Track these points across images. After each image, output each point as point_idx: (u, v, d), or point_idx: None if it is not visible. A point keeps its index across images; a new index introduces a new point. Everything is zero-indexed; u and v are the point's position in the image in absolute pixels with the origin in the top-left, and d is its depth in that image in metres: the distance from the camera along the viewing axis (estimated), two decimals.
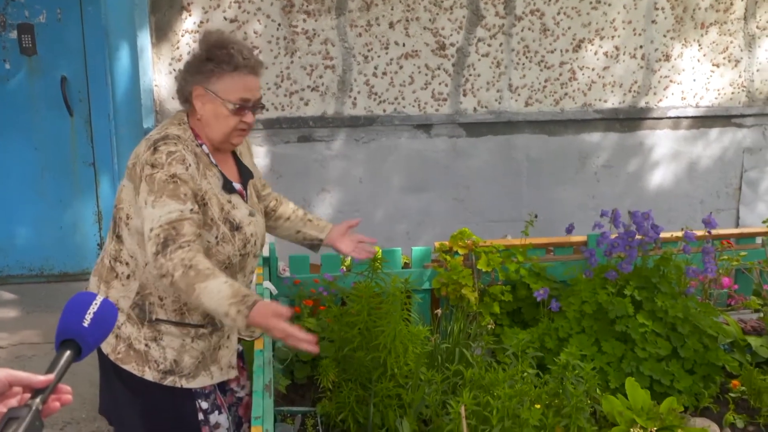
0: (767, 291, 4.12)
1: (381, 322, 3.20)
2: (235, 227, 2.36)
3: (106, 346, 2.38)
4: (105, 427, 3.17)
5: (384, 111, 4.66)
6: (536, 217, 3.92)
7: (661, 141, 5.11)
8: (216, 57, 2.29)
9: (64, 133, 4.43)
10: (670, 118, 5.07)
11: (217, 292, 2.11)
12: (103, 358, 2.43)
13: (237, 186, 2.44)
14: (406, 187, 4.80)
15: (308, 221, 2.81)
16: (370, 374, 3.09)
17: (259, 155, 4.53)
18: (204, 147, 2.34)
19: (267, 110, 4.49)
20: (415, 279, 3.68)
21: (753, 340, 3.66)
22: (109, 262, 2.38)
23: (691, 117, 5.11)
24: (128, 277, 2.34)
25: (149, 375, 2.36)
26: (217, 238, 2.31)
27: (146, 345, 2.34)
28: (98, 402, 3.33)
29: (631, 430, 2.96)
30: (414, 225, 4.80)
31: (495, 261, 3.64)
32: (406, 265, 3.85)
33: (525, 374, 3.09)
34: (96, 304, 1.36)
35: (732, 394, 3.43)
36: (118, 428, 2.58)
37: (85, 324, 1.33)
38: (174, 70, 4.30)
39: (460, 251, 3.68)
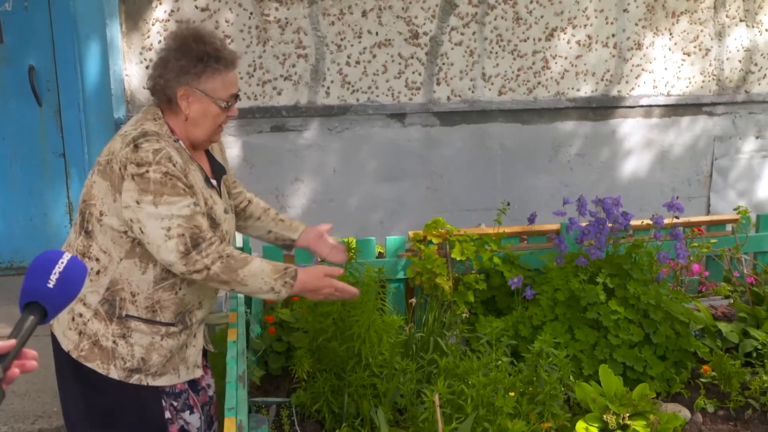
0: (737, 277, 4.17)
1: (355, 311, 3.19)
2: (216, 224, 2.35)
3: (68, 343, 2.33)
4: None
5: (357, 100, 4.64)
6: (509, 205, 3.93)
7: (633, 129, 5.15)
8: (203, 56, 2.25)
9: (32, 123, 4.36)
10: (642, 106, 5.11)
11: (260, 271, 2.23)
12: (61, 357, 2.37)
13: (213, 182, 2.42)
14: (380, 176, 4.79)
15: (280, 221, 2.78)
16: (345, 364, 3.09)
17: (231, 146, 4.49)
18: (181, 143, 2.32)
19: (240, 100, 4.44)
20: (389, 268, 3.68)
21: (723, 326, 3.71)
22: (76, 252, 2.33)
23: (663, 105, 5.15)
24: (98, 273, 2.28)
25: (114, 373, 2.32)
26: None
27: (114, 342, 2.30)
28: None
29: (605, 416, 2.99)
30: (388, 214, 4.80)
31: (469, 250, 3.65)
32: (380, 255, 3.85)
33: (499, 362, 3.11)
34: (62, 263, 1.29)
35: (703, 380, 3.48)
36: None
37: (50, 285, 1.27)
38: (145, 59, 4.25)
39: (435, 240, 3.68)
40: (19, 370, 1.25)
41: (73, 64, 4.29)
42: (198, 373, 2.50)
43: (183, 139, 2.33)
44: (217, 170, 2.49)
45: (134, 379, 2.34)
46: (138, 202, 2.16)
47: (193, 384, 2.54)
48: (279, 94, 4.52)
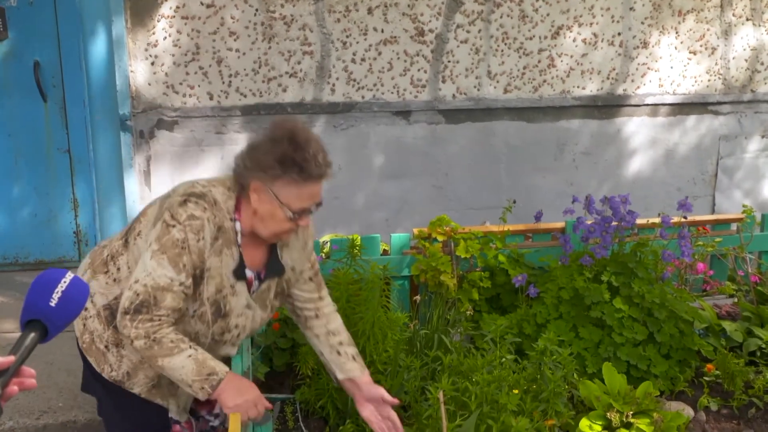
0: (742, 277, 4.17)
1: (360, 308, 3.20)
2: (222, 314, 2.25)
3: (76, 330, 2.37)
4: (81, 416, 3.15)
5: (363, 97, 4.64)
6: (514, 202, 3.93)
7: (638, 128, 5.14)
8: (286, 161, 2.11)
9: (38, 119, 4.37)
10: (647, 105, 5.10)
11: (181, 368, 2.11)
12: (76, 338, 2.41)
13: (249, 274, 2.30)
14: (385, 174, 4.79)
15: (336, 353, 2.54)
16: None
17: (236, 143, 4.49)
18: (237, 224, 2.22)
19: (245, 96, 4.45)
20: (394, 266, 3.68)
21: (727, 325, 3.71)
22: (107, 256, 2.34)
23: (669, 104, 5.14)
24: (114, 280, 2.30)
25: (106, 375, 2.34)
26: (195, 312, 2.22)
27: (106, 347, 2.32)
28: (75, 391, 3.32)
29: (608, 414, 2.99)
30: (393, 212, 4.80)
31: (474, 247, 3.65)
32: (385, 252, 3.85)
33: (503, 360, 3.11)
34: (65, 282, 1.29)
35: (706, 378, 3.48)
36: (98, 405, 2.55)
37: (52, 304, 1.26)
38: (150, 56, 4.25)
39: (439, 238, 3.69)
40: (17, 388, 1.25)
41: (79, 60, 4.29)
42: (184, 417, 2.45)
43: (245, 225, 2.23)
44: (272, 267, 2.35)
45: (125, 386, 2.35)
46: (149, 245, 2.17)
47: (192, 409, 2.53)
48: (284, 90, 4.52)
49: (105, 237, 4.53)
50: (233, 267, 2.23)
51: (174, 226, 2.13)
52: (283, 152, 2.11)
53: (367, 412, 2.51)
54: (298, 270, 2.46)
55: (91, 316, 2.31)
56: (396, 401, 2.53)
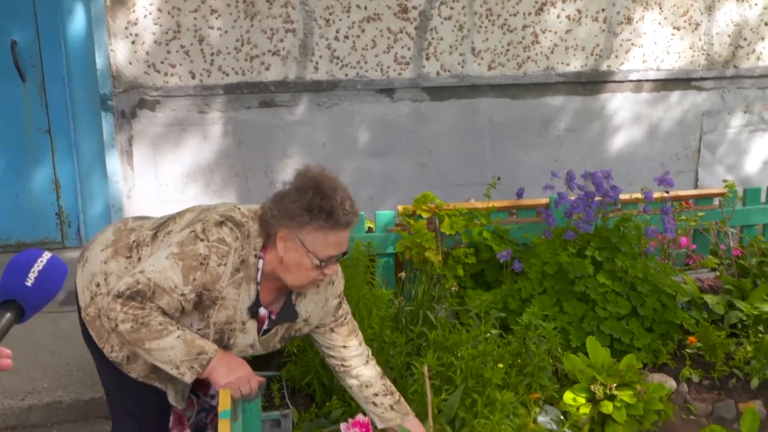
0: (724, 251, 4.20)
1: (345, 285, 3.19)
2: (223, 344, 2.24)
3: (82, 299, 2.34)
4: (67, 396, 3.14)
5: (346, 75, 4.61)
6: (499, 179, 3.93)
7: (622, 104, 5.15)
8: (314, 209, 2.11)
9: (16, 99, 4.31)
10: (631, 81, 5.10)
11: (170, 348, 2.10)
12: (78, 307, 2.38)
13: (263, 312, 2.29)
14: (369, 151, 4.78)
15: (373, 404, 2.48)
16: None
17: (219, 122, 4.47)
18: (261, 262, 2.21)
19: (227, 75, 4.41)
20: (378, 243, 3.69)
21: (709, 298, 3.74)
22: (134, 242, 2.32)
23: (652, 80, 5.15)
24: (134, 267, 2.27)
25: (106, 353, 2.33)
26: (198, 331, 2.20)
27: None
28: (60, 372, 3.31)
29: (592, 386, 3.02)
30: (377, 190, 4.79)
31: (458, 224, 3.65)
32: (369, 230, 3.85)
33: (488, 335, 3.13)
34: (42, 261, 1.27)
35: (689, 350, 3.52)
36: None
37: (28, 283, 1.25)
38: (131, 34, 4.21)
39: (424, 215, 3.69)
40: None
41: (57, 39, 4.23)
42: (182, 405, 2.44)
43: (268, 266, 2.21)
44: (285, 312, 2.33)
45: (122, 369, 2.33)
46: (170, 245, 2.16)
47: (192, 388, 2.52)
48: (267, 69, 4.48)
49: (88, 218, 4.51)
50: (248, 303, 2.23)
51: (202, 240, 2.14)
52: (310, 200, 2.12)
53: None
54: (313, 323, 2.42)
55: (101, 294, 2.29)
56: None
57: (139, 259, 2.28)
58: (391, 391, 2.52)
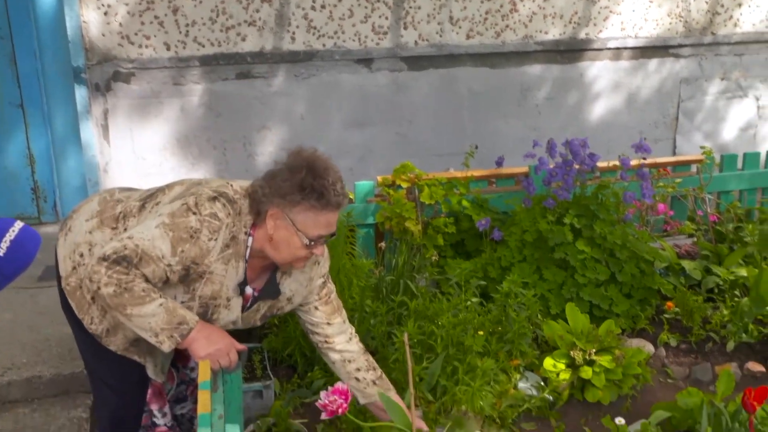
0: (701, 217, 4.24)
1: None
2: (206, 318, 2.23)
3: (63, 269, 2.32)
4: (47, 371, 3.12)
5: (324, 46, 4.57)
6: (477, 148, 3.93)
7: (601, 72, 5.15)
8: (306, 189, 2.11)
9: None
10: (609, 49, 5.10)
11: (151, 315, 2.09)
12: (57, 277, 2.36)
13: (249, 291, 2.29)
14: (348, 122, 4.75)
15: (355, 379, 2.49)
16: None
17: (196, 94, 4.41)
18: (250, 240, 2.20)
19: (203, 46, 4.36)
20: (358, 213, 3.68)
21: (687, 264, 3.79)
22: (120, 213, 2.30)
23: (631, 48, 5.14)
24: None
25: (85, 324, 2.31)
26: (182, 303, 2.19)
27: (92, 299, 2.28)
28: (39, 347, 3.29)
29: (572, 352, 3.05)
30: (357, 160, 4.77)
31: (438, 194, 3.65)
32: (349, 201, 3.84)
33: (468, 303, 3.15)
34: (14, 231, 1.26)
35: (666, 316, 3.56)
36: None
37: (0, 253, 1.24)
38: (103, 5, 4.13)
39: (403, 185, 3.68)
40: None
41: (27, 10, 4.14)
42: (161, 378, 2.44)
43: (256, 244, 2.21)
44: (268, 289, 2.34)
45: (101, 341, 2.32)
46: (159, 214, 2.15)
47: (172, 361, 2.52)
48: (243, 40, 4.43)
49: (64, 193, 4.46)
50: (236, 280, 2.22)
51: (195, 214, 2.13)
52: (303, 180, 2.11)
53: None
54: (295, 302, 2.42)
55: (84, 264, 2.27)
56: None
57: (126, 230, 2.26)
58: (374, 367, 2.53)
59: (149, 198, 2.31)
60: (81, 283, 2.28)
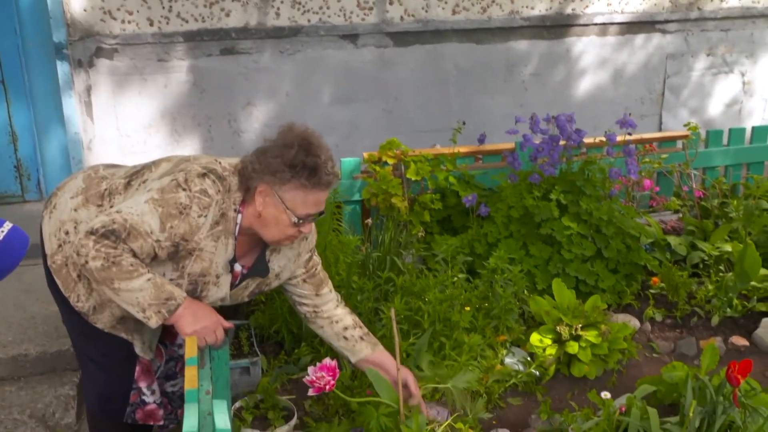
0: (687, 192, 4.26)
1: None
2: (195, 295, 2.23)
3: (48, 247, 2.30)
4: (33, 349, 3.10)
5: (309, 21, 4.53)
6: (464, 124, 3.91)
7: (587, 48, 5.14)
8: (297, 166, 2.09)
9: None
10: (596, 24, 5.08)
11: (139, 290, 2.07)
12: (43, 255, 2.34)
13: (238, 268, 2.28)
14: (334, 99, 4.72)
15: (344, 338, 2.52)
16: None
17: (180, 70, 4.37)
18: (239, 216, 2.19)
19: (187, 22, 4.30)
20: (344, 190, 3.67)
21: (672, 240, 3.80)
22: (105, 191, 2.28)
23: (617, 23, 5.13)
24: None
25: (72, 302, 2.29)
26: (171, 280, 2.18)
27: (78, 276, 2.26)
28: (25, 325, 3.27)
29: (558, 327, 3.07)
30: (343, 137, 4.75)
31: (424, 170, 3.64)
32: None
33: (455, 279, 3.16)
34: (2, 231, 1.25)
35: (652, 291, 3.59)
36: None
37: None
38: None
39: (390, 161, 3.67)
40: None
41: None
42: (149, 355, 2.42)
43: (245, 221, 2.20)
44: (257, 267, 2.32)
45: (88, 319, 2.31)
46: (148, 191, 2.13)
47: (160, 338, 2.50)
48: (227, 15, 4.38)
49: (48, 171, 4.41)
50: (225, 258, 2.21)
51: (184, 190, 2.11)
52: (294, 156, 2.09)
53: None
54: (284, 277, 2.42)
55: (69, 242, 2.25)
56: (416, 393, 2.48)
57: (111, 206, 2.23)
58: (360, 325, 2.56)
59: (135, 175, 2.29)
60: (67, 261, 2.26)
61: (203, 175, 2.15)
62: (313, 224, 2.31)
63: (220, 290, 2.27)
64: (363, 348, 2.51)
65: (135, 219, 2.07)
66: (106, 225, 2.05)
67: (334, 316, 2.52)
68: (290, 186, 2.11)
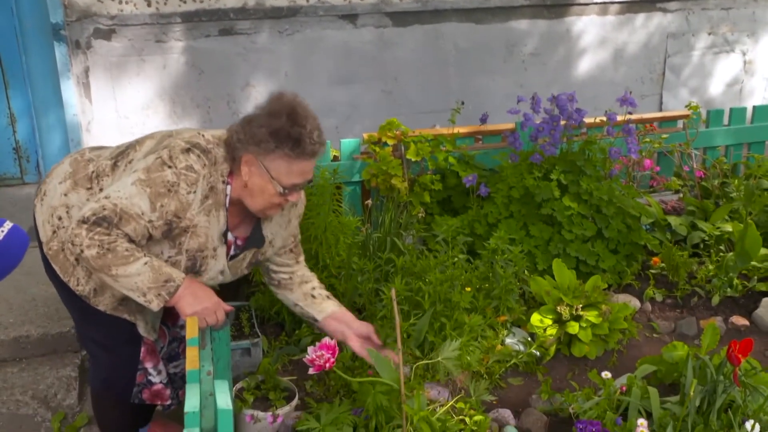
0: (687, 172, 4.25)
1: (311, 214, 3.18)
2: (195, 270, 2.22)
3: (43, 234, 2.29)
4: (34, 331, 3.11)
5: (307, 1, 4.49)
6: (463, 104, 3.90)
7: (587, 27, 5.10)
8: (282, 136, 2.07)
9: None
10: (596, 3, 5.05)
11: (137, 274, 2.07)
12: (39, 243, 2.34)
13: (231, 238, 2.27)
14: (333, 80, 4.69)
15: (311, 296, 2.54)
16: None
17: (178, 51, 4.34)
18: (229, 188, 2.19)
19: (185, 2, 4.27)
20: (344, 171, 3.66)
21: (673, 220, 3.80)
22: (93, 173, 2.26)
23: (618, 2, 5.09)
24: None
25: (72, 286, 2.29)
26: (169, 258, 2.18)
27: (76, 260, 2.26)
28: (26, 307, 3.27)
29: (558, 308, 3.07)
30: (343, 118, 4.73)
31: (424, 150, 3.63)
32: (335, 158, 3.81)
33: (455, 260, 3.15)
34: (2, 232, 1.24)
35: (652, 271, 3.59)
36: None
37: None
38: None
39: (389, 142, 3.66)
40: None
41: None
42: (153, 336, 2.42)
43: (235, 192, 2.19)
44: (252, 239, 2.33)
45: (90, 302, 2.30)
46: (134, 172, 2.11)
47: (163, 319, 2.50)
48: None
49: (47, 153, 4.40)
50: (219, 230, 2.21)
51: (170, 167, 2.10)
52: (279, 126, 2.07)
53: (357, 345, 2.49)
54: (277, 245, 2.43)
55: (64, 227, 2.24)
56: (380, 343, 2.51)
57: (101, 189, 2.23)
58: (324, 286, 2.60)
59: (120, 155, 2.27)
60: (63, 246, 2.26)
61: (187, 150, 2.13)
62: (301, 192, 2.31)
63: (218, 263, 2.26)
64: (330, 305, 2.53)
65: (124, 203, 2.06)
66: (97, 212, 2.05)
67: (304, 276, 2.56)
68: (275, 156, 2.10)
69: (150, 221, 2.08)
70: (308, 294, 2.54)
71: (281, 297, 2.60)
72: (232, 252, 2.31)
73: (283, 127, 2.08)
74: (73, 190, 2.26)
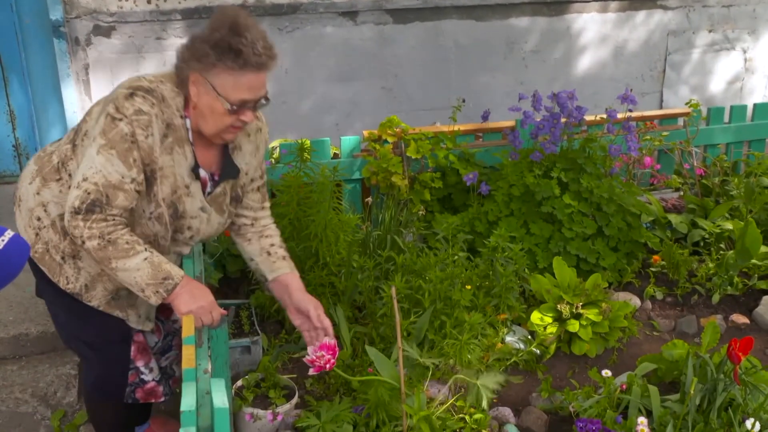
0: (688, 170, 4.24)
1: (311, 211, 3.18)
2: (178, 215, 2.20)
3: (28, 239, 2.27)
4: (34, 329, 3.11)
5: None
6: (464, 101, 3.89)
7: (588, 25, 5.09)
8: (220, 48, 2.01)
9: None
10: (597, 0, 5.04)
11: (136, 270, 2.06)
12: None
13: (203, 173, 2.23)
14: (333, 77, 4.68)
15: (267, 253, 2.45)
16: (303, 264, 3.10)
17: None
18: (188, 121, 2.14)
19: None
20: (344, 168, 3.66)
21: (673, 218, 3.80)
22: (58, 162, 2.24)
23: None
24: (69, 188, 2.19)
25: (62, 286, 2.28)
26: (152, 214, 2.15)
27: (62, 258, 2.24)
28: (26, 304, 3.27)
29: (559, 306, 3.07)
30: (342, 116, 4.72)
31: (424, 148, 3.63)
32: (335, 156, 3.81)
33: (456, 258, 3.15)
34: (2, 241, 1.23)
35: (653, 269, 3.59)
36: (54, 320, 2.50)
37: None
38: None
39: (390, 139, 3.65)
40: None
41: None
42: (149, 326, 2.41)
43: (194, 123, 2.15)
44: (226, 170, 2.29)
45: (79, 298, 2.29)
46: (94, 140, 2.07)
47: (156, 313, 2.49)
48: None
49: None
50: (188, 166, 2.16)
51: (121, 119, 2.04)
52: (220, 38, 2.01)
53: (298, 321, 2.43)
54: (251, 174, 2.39)
55: (45, 227, 2.23)
56: (320, 326, 2.39)
57: (70, 176, 2.20)
58: (284, 247, 2.52)
59: (76, 135, 2.23)
60: (48, 247, 2.24)
61: (131, 96, 2.07)
62: (258, 113, 2.25)
63: (195, 199, 2.22)
64: (283, 266, 2.44)
65: (102, 177, 2.03)
66: (84, 199, 2.03)
67: (267, 229, 2.49)
68: (218, 70, 2.03)
69: (133, 179, 2.06)
70: (265, 249, 2.46)
71: (240, 248, 2.52)
72: (209, 189, 2.27)
73: (223, 38, 2.01)
74: (44, 186, 2.24)
